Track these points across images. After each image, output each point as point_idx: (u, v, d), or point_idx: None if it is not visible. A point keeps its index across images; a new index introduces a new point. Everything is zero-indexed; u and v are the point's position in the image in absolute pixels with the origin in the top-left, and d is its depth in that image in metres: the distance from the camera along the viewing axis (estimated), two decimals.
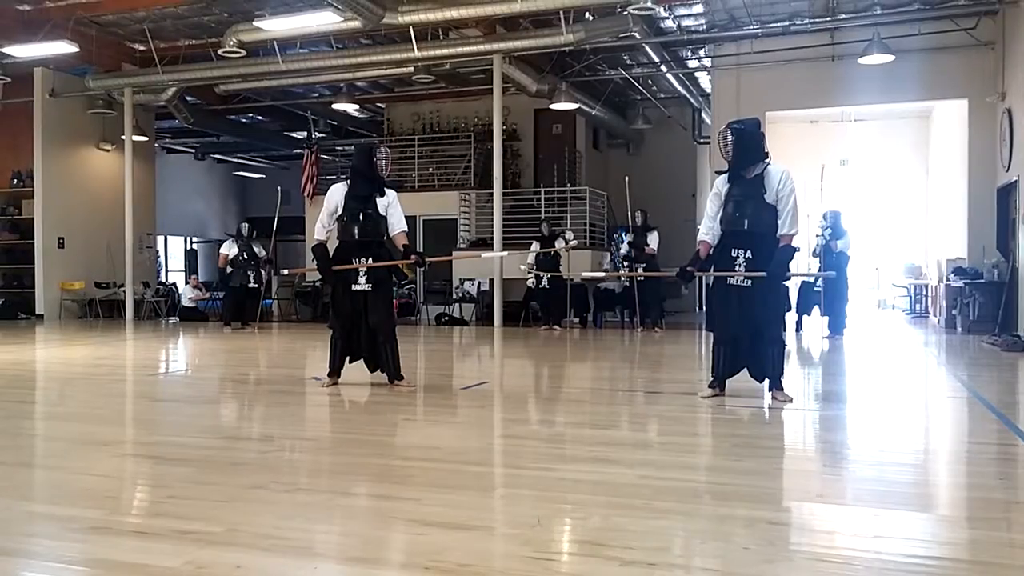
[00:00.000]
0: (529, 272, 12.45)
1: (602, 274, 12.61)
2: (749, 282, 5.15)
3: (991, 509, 3.03)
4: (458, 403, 5.64)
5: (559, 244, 12.25)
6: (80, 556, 2.50)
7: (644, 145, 18.35)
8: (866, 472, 3.74)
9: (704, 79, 15.66)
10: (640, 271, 11.72)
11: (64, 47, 12.80)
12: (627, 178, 12.25)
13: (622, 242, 12.46)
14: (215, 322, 13.73)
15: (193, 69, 14.30)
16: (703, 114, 16.87)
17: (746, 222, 5.15)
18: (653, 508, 2.94)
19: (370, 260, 5.78)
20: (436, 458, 3.90)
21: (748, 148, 5.14)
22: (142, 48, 14.63)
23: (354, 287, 5.75)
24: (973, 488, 3.51)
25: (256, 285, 12.38)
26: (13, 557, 2.51)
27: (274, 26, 12.06)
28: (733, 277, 5.18)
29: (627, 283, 12.25)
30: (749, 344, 5.23)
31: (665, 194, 16.71)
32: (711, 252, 5.35)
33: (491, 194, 13.34)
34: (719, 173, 5.39)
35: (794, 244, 5.21)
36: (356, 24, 11.63)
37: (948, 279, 11.57)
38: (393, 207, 5.84)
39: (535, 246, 12.37)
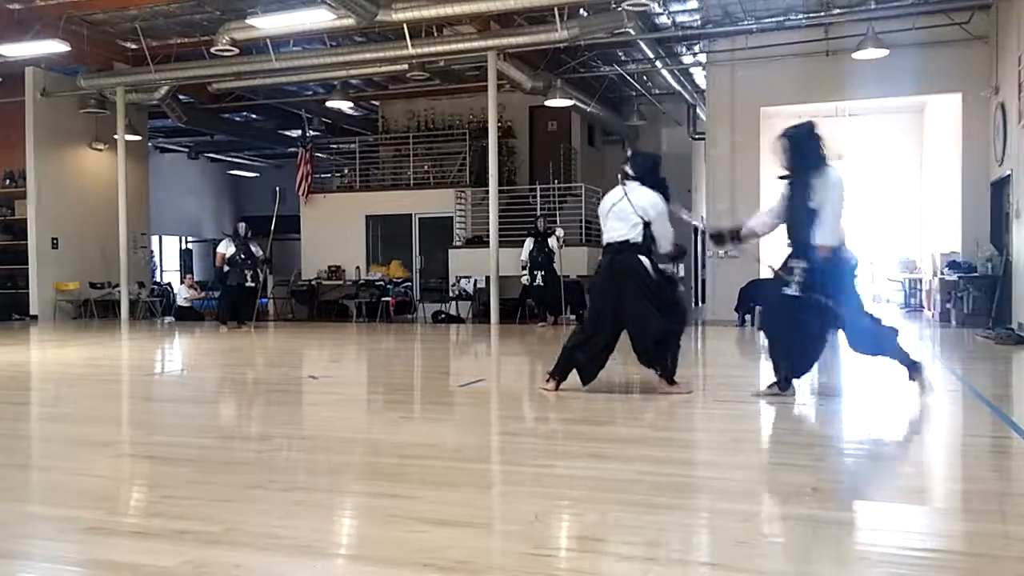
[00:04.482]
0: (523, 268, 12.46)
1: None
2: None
3: (986, 501, 3.04)
4: (455, 401, 5.65)
5: (552, 242, 12.26)
6: (78, 557, 2.50)
7: (640, 141, 18.34)
8: (861, 466, 3.76)
9: (699, 75, 15.67)
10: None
11: (55, 46, 12.73)
12: (619, 175, 12.22)
13: None
14: (211, 321, 13.72)
15: (186, 67, 14.23)
16: (698, 110, 16.88)
17: (796, 231, 5.01)
18: (650, 503, 2.95)
19: None
20: (434, 455, 3.90)
21: (801, 154, 5.03)
22: (134, 47, 14.57)
23: None
24: (968, 481, 3.53)
25: (253, 284, 12.37)
26: (11, 559, 2.51)
27: (267, 24, 12.02)
28: (788, 288, 4.99)
29: None
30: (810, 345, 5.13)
31: None
32: (753, 236, 5.36)
33: (486, 191, 13.32)
34: (781, 179, 5.21)
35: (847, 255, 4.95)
36: (350, 21, 11.60)
37: (942, 273, 11.60)
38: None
39: (528, 243, 12.38)
